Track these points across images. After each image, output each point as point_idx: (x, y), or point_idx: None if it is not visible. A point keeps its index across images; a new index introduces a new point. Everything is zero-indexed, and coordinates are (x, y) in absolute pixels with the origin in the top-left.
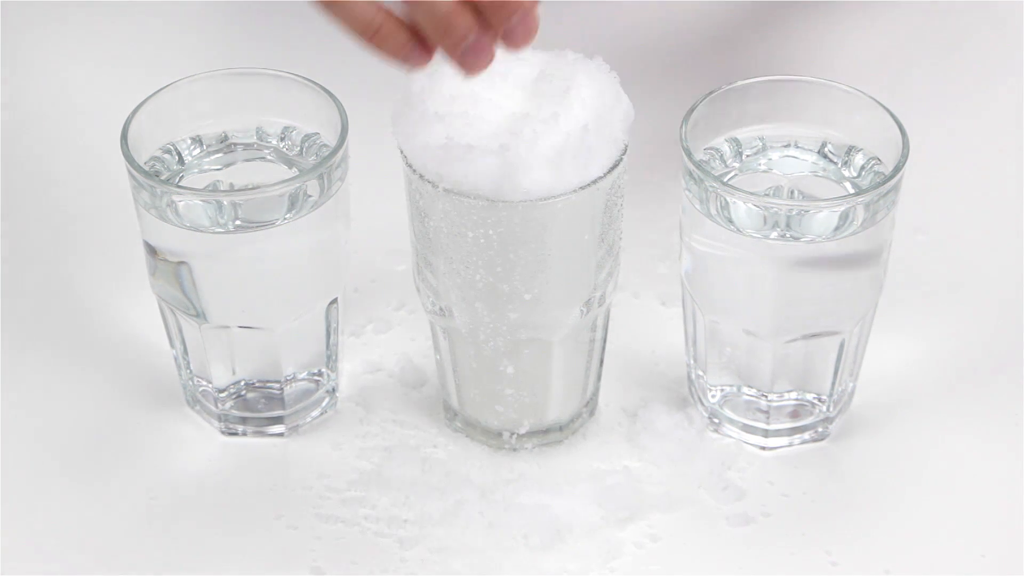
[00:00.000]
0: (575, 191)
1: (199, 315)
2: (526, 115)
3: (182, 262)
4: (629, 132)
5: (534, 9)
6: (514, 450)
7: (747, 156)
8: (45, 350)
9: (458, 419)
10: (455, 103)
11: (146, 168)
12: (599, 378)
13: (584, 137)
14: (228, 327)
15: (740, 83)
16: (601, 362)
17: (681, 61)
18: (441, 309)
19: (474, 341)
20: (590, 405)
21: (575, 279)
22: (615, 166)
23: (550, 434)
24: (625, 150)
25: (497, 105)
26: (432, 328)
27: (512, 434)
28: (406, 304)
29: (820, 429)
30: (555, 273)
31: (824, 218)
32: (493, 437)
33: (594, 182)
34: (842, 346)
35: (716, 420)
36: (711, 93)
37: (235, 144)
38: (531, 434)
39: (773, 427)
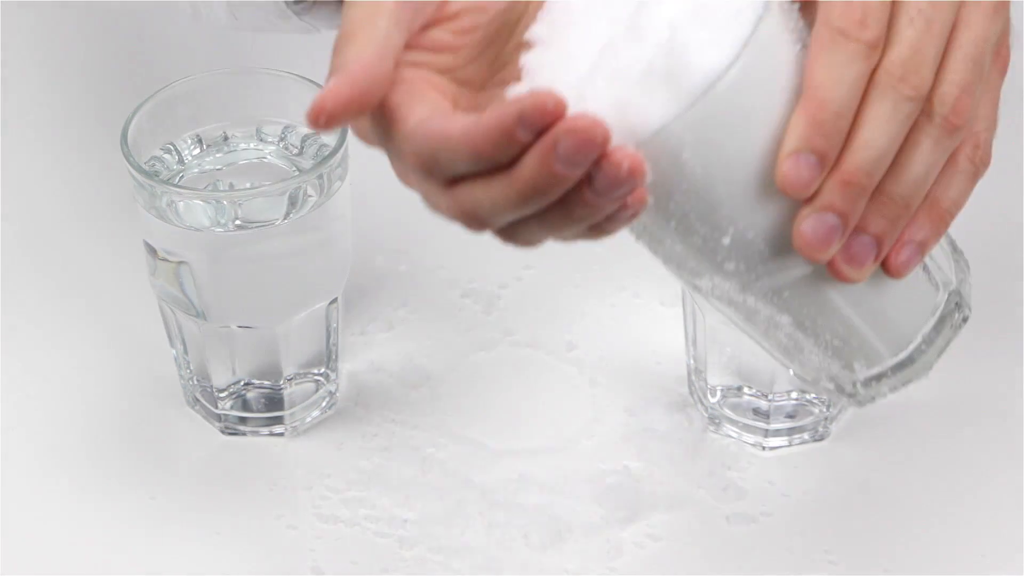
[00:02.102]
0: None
1: (199, 315)
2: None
3: (182, 262)
4: None
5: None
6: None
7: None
8: (45, 350)
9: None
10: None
11: (146, 168)
12: None
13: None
14: (228, 327)
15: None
16: None
17: None
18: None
19: None
20: None
21: None
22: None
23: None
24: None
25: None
26: None
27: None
28: (407, 304)
29: (820, 429)
30: None
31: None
32: None
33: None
34: None
35: (716, 420)
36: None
37: (235, 144)
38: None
39: (773, 427)
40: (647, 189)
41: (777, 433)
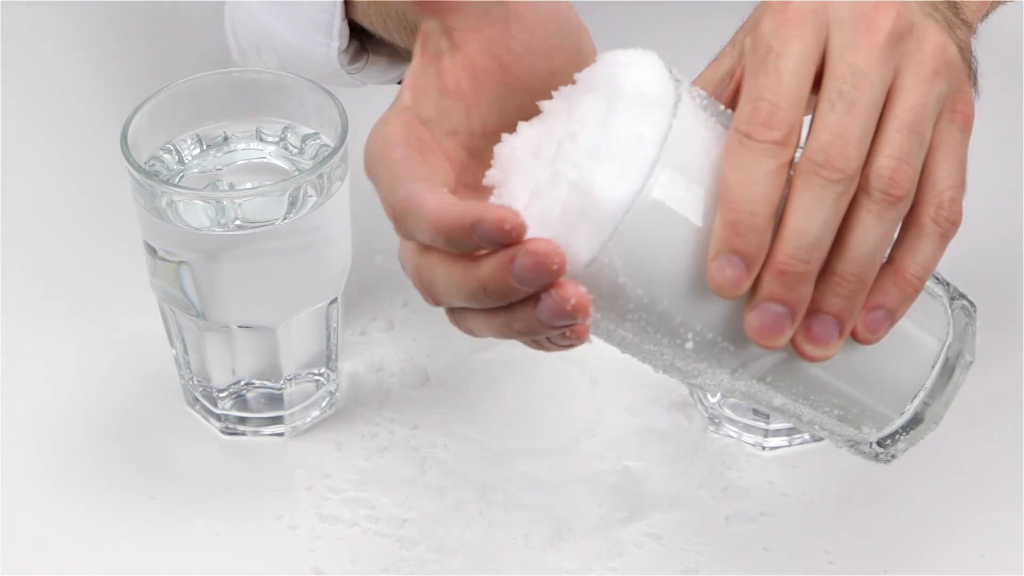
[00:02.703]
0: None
1: (199, 315)
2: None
3: (182, 262)
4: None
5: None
6: None
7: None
8: (45, 350)
9: None
10: None
11: (146, 168)
12: None
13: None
14: (228, 327)
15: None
16: None
17: None
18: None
19: None
20: None
21: None
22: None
23: None
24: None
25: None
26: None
27: None
28: (407, 304)
29: None
30: None
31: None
32: None
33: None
34: None
35: (716, 420)
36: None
37: (235, 144)
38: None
39: (773, 427)
40: (601, 315)
41: (777, 433)
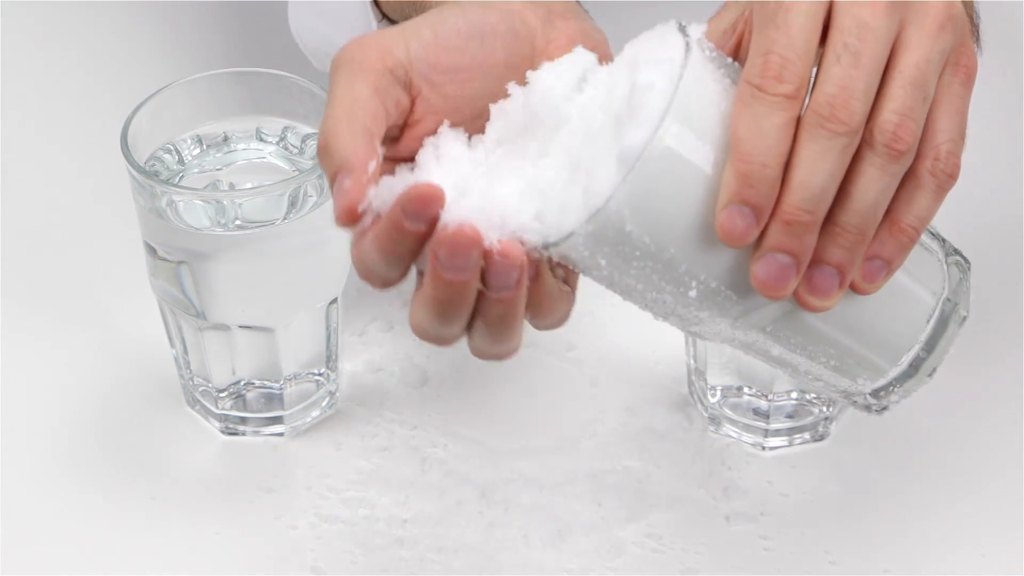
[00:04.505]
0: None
1: (199, 315)
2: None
3: (182, 262)
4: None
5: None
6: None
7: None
8: (45, 350)
9: None
10: None
11: (146, 168)
12: None
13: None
14: (228, 327)
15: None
16: None
17: None
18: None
19: None
20: None
21: None
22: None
23: None
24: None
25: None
26: None
27: None
28: (407, 303)
29: (820, 429)
30: None
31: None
32: None
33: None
34: None
35: (716, 420)
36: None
37: (235, 144)
38: None
39: (773, 427)
40: (606, 262)
41: (777, 433)
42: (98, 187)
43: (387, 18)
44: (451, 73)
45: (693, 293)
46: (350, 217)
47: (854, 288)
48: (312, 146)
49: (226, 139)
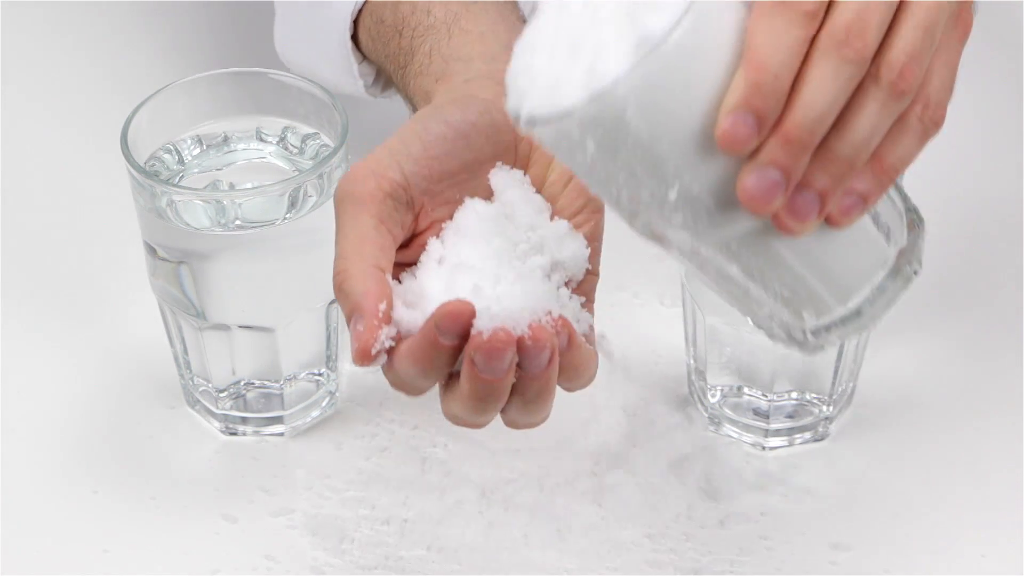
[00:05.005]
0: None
1: (199, 315)
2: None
3: (182, 262)
4: None
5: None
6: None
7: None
8: (45, 350)
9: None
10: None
11: (146, 168)
12: None
13: None
14: (228, 327)
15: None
16: None
17: None
18: None
19: None
20: None
21: None
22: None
23: None
24: None
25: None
26: None
27: None
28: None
29: (820, 429)
30: None
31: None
32: None
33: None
34: (842, 346)
35: (716, 420)
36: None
37: (235, 144)
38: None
39: (773, 427)
40: (594, 145)
41: (777, 433)
42: (98, 187)
43: (367, 59)
44: (446, 179)
45: (673, 194)
46: (365, 358)
47: (829, 220)
48: (312, 146)
49: (226, 139)
